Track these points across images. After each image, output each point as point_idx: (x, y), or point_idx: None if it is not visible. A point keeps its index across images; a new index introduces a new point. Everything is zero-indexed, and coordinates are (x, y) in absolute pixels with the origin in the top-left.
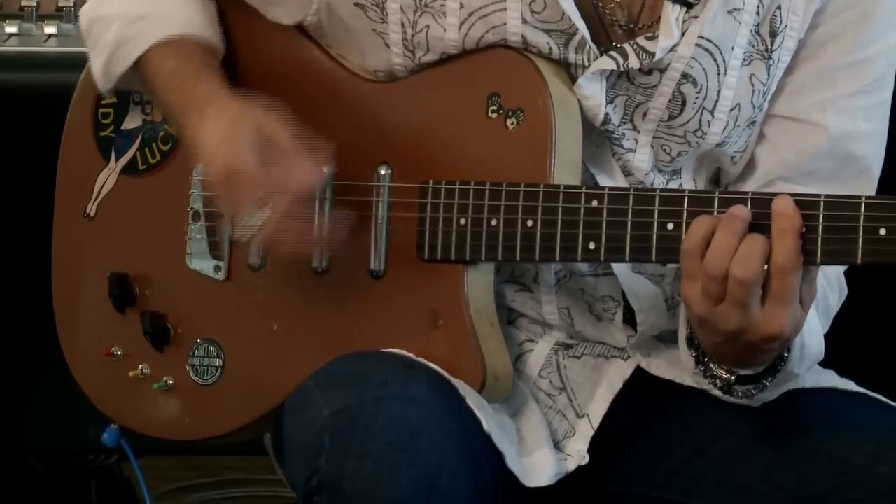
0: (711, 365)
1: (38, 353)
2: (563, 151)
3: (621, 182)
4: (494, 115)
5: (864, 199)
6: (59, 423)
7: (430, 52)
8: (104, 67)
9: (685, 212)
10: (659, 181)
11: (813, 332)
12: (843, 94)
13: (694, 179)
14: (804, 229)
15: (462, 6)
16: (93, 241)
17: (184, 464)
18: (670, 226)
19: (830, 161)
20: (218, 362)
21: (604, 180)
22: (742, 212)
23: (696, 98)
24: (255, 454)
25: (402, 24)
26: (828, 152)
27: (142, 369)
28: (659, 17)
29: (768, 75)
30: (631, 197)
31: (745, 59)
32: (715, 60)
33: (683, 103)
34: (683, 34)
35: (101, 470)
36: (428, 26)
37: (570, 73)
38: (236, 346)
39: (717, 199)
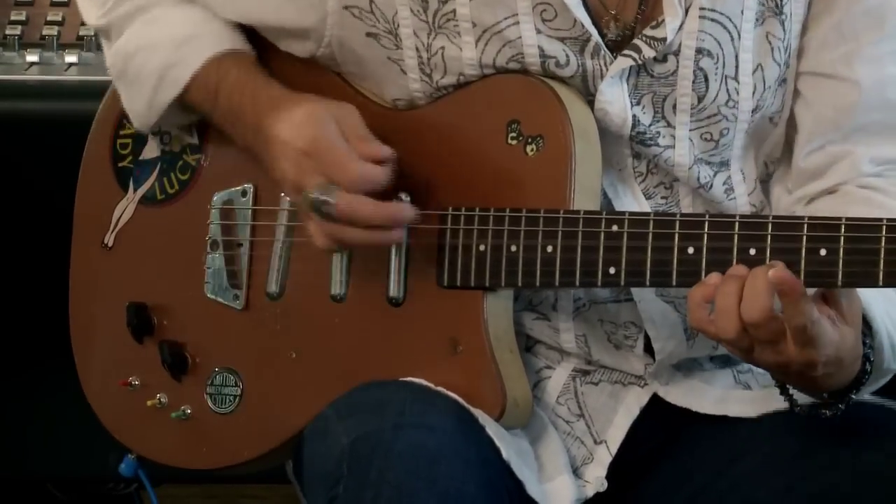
0: (792, 393)
1: (57, 382)
2: (583, 178)
3: (643, 205)
4: (514, 142)
5: (885, 221)
6: (79, 452)
7: (448, 73)
8: (150, 97)
9: (706, 235)
10: (705, 174)
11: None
12: (867, 43)
13: (742, 171)
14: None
15: (475, 25)
16: (111, 271)
17: (203, 492)
18: (691, 250)
19: (874, 113)
20: (237, 391)
21: (622, 206)
22: (739, 270)
23: (716, 68)
24: (274, 482)
25: (417, 49)
26: (867, 105)
27: (159, 399)
28: (657, 8)
29: (784, 30)
30: (651, 221)
31: (757, 19)
32: (726, 28)
33: (706, 79)
34: (687, 10)
35: (120, 498)
36: (443, 48)
37: (589, 85)
38: (255, 375)
39: (737, 223)
